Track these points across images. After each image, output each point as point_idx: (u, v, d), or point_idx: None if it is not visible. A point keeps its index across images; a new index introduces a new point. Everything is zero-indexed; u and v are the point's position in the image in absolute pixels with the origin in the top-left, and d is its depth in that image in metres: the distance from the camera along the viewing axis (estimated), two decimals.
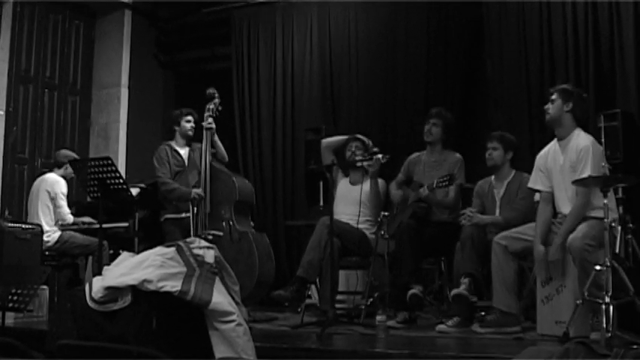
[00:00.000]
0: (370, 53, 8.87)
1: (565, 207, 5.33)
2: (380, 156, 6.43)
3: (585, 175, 5.07)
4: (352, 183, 6.99)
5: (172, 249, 3.88)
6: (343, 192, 6.90)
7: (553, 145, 5.54)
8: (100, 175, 6.15)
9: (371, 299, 6.43)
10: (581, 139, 5.31)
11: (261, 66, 9.56)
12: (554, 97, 5.47)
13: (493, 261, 5.49)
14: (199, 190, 6.69)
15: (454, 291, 5.69)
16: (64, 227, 7.39)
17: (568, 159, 5.32)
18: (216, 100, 6.87)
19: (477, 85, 8.33)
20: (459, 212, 6.11)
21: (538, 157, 5.67)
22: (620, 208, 6.05)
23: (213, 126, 6.84)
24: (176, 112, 7.15)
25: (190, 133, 7.07)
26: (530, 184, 5.71)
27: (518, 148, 6.32)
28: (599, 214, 4.92)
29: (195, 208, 6.67)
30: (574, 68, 7.35)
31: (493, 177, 6.33)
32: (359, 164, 6.66)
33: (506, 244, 5.47)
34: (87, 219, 7.57)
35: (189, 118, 7.04)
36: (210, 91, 6.89)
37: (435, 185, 6.05)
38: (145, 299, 3.74)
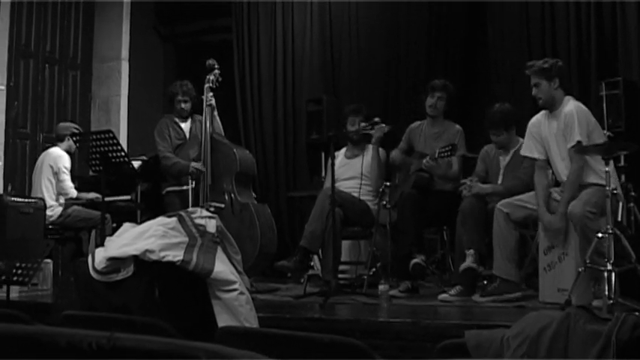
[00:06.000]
0: (371, 22, 8.82)
1: (564, 175, 5.32)
2: (383, 125, 6.45)
3: (574, 141, 5.08)
4: (349, 157, 6.96)
5: (174, 219, 3.89)
6: (341, 169, 6.83)
7: (544, 116, 5.52)
8: (102, 149, 6.16)
9: (373, 269, 6.45)
10: (567, 105, 5.32)
11: (262, 37, 9.52)
12: (536, 80, 5.42)
13: (495, 228, 5.48)
14: (198, 165, 6.69)
15: (464, 265, 5.67)
16: (67, 202, 7.40)
17: (559, 127, 5.32)
18: (216, 72, 6.84)
19: (479, 54, 8.30)
20: (460, 182, 6.09)
21: (530, 124, 5.64)
22: (622, 177, 6.05)
23: (214, 102, 6.83)
24: (173, 89, 7.10)
25: (184, 113, 7.05)
26: (524, 152, 5.67)
27: (518, 120, 6.23)
28: (601, 181, 4.91)
29: (194, 182, 6.67)
30: (576, 36, 7.32)
31: None
32: (361, 131, 6.63)
33: (508, 211, 5.45)
34: (93, 195, 7.54)
35: (185, 98, 7.00)
36: (210, 62, 6.86)
37: (437, 155, 6.02)
38: (148, 269, 3.75)
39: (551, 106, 5.41)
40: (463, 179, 6.07)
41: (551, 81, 5.35)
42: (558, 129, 5.32)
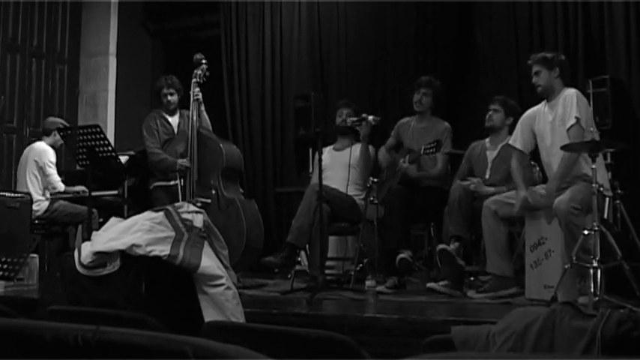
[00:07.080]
0: (359, 18, 8.82)
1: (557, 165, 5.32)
2: (371, 118, 6.46)
3: (573, 118, 5.10)
4: (337, 150, 6.99)
5: (161, 213, 3.88)
6: (329, 160, 6.85)
7: (542, 106, 5.54)
8: (89, 143, 6.14)
9: (360, 265, 6.45)
10: (566, 91, 5.36)
11: (250, 33, 9.51)
12: (537, 68, 5.46)
13: (484, 226, 5.50)
14: (185, 161, 6.65)
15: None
16: (54, 196, 7.37)
17: (557, 113, 5.34)
18: (204, 66, 6.79)
19: (467, 51, 8.30)
20: (447, 182, 6.14)
21: (524, 116, 5.67)
22: (609, 174, 6.07)
23: (200, 97, 6.79)
24: (158, 83, 7.09)
25: (171, 106, 7.01)
26: (511, 142, 5.71)
27: (520, 114, 6.22)
28: (588, 171, 4.93)
29: (182, 180, 6.64)
30: (563, 34, 7.35)
31: (488, 139, 6.32)
32: (349, 124, 6.64)
33: (495, 208, 5.47)
34: (80, 187, 7.53)
35: (171, 91, 6.98)
36: (198, 56, 6.81)
37: (422, 152, 6.03)
38: (134, 264, 3.74)
39: (549, 95, 5.44)
40: (470, 177, 6.10)
41: (551, 70, 5.40)
42: (556, 115, 5.34)
